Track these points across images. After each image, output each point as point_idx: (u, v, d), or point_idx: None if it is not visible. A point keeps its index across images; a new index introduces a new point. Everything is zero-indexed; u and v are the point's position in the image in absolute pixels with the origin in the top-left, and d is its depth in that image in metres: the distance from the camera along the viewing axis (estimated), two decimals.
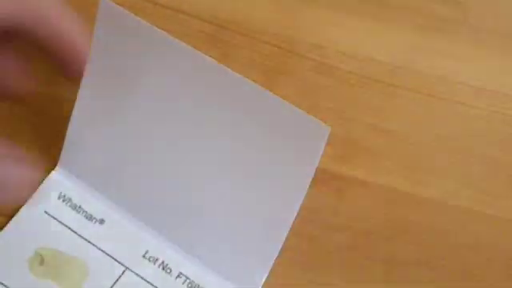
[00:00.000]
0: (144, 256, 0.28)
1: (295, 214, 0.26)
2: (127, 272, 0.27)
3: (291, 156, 0.25)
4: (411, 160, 0.33)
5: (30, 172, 0.27)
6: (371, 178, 0.32)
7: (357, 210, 0.31)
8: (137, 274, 0.27)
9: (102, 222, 0.28)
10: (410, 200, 0.32)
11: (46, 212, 0.28)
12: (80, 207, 0.28)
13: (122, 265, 0.28)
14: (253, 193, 0.27)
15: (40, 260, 0.27)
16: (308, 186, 0.26)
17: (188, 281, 0.28)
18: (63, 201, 0.28)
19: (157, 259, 0.28)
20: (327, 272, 0.30)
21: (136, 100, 0.27)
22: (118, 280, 0.27)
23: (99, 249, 0.28)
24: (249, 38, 0.35)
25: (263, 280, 0.28)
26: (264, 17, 0.36)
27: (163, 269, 0.28)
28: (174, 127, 0.27)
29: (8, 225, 0.28)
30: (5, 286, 0.27)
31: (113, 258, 0.28)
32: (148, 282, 0.27)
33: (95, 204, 0.28)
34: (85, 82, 0.26)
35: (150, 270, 0.28)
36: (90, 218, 0.28)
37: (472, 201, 0.32)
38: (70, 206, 0.28)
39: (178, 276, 0.28)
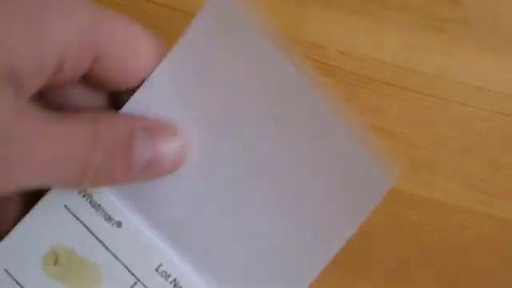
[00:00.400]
0: (157, 270, 0.27)
1: (328, 261, 0.26)
2: (138, 284, 0.27)
3: (349, 196, 0.25)
4: (411, 160, 0.33)
5: (176, 142, 0.25)
6: None
7: None
8: None
9: (119, 224, 0.27)
10: (410, 200, 0.32)
11: (65, 206, 0.27)
12: (100, 206, 0.27)
13: (134, 276, 0.27)
14: (293, 227, 0.26)
15: (54, 259, 0.26)
16: (349, 236, 0.26)
17: None
18: (84, 196, 0.27)
19: (169, 275, 0.27)
20: (327, 272, 0.30)
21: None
22: None
23: (113, 254, 0.27)
24: None
25: None
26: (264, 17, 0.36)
27: (174, 286, 0.27)
28: (227, 136, 0.26)
29: (27, 216, 0.27)
30: (17, 282, 0.26)
31: (125, 267, 0.27)
32: None
33: (114, 204, 0.27)
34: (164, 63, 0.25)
35: (161, 286, 0.27)
36: (108, 218, 0.27)
37: (472, 201, 0.32)
38: (90, 202, 0.27)
39: None
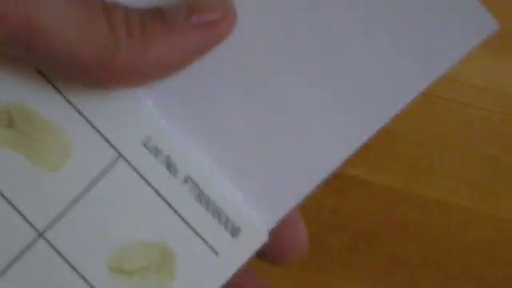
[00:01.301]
0: (144, 144, 0.21)
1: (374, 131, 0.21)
2: (120, 161, 0.20)
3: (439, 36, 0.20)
4: (411, 160, 0.33)
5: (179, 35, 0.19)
6: (371, 178, 0.32)
7: (357, 210, 0.31)
8: (132, 167, 0.21)
9: None
10: (410, 200, 0.32)
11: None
12: None
13: (116, 150, 0.20)
14: (342, 95, 0.20)
15: (8, 120, 0.20)
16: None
17: (197, 190, 0.21)
18: None
19: (160, 151, 0.21)
20: (327, 272, 0.30)
21: None
22: (107, 169, 0.21)
23: (88, 121, 0.20)
24: None
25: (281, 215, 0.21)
26: None
27: (167, 166, 0.21)
28: None
29: None
30: None
31: (103, 138, 0.20)
32: (145, 180, 0.21)
33: None
34: None
35: (150, 164, 0.20)
36: None
37: (472, 201, 0.32)
38: None
39: (185, 181, 0.21)
